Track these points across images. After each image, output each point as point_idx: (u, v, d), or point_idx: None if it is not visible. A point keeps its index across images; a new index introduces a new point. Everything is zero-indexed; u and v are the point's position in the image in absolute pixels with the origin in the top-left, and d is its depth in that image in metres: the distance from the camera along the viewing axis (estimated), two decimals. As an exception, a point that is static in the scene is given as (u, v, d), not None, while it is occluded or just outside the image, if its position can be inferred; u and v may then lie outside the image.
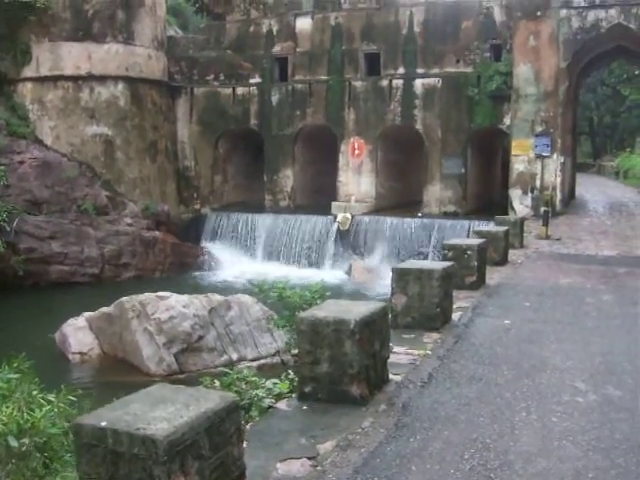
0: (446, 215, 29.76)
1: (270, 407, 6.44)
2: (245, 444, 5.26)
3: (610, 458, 5.30)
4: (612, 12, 26.22)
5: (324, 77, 32.29)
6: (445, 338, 8.43)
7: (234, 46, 34.12)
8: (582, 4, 26.49)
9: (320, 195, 32.47)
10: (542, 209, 21.71)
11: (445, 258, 11.41)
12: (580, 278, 13.54)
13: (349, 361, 5.94)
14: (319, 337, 5.97)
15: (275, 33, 33.47)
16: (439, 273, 8.69)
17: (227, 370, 8.26)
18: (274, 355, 16.81)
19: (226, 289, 23.30)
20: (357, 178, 31.55)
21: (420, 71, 30.70)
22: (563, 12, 26.68)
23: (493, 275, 13.04)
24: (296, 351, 6.62)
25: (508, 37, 28.76)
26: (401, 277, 8.75)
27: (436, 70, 30.42)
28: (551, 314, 10.19)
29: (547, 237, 19.68)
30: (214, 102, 34.06)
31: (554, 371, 7.38)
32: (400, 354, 7.62)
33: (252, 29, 33.97)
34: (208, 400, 3.96)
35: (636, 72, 55.63)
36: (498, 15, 29.67)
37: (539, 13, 26.90)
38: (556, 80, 26.90)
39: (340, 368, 5.98)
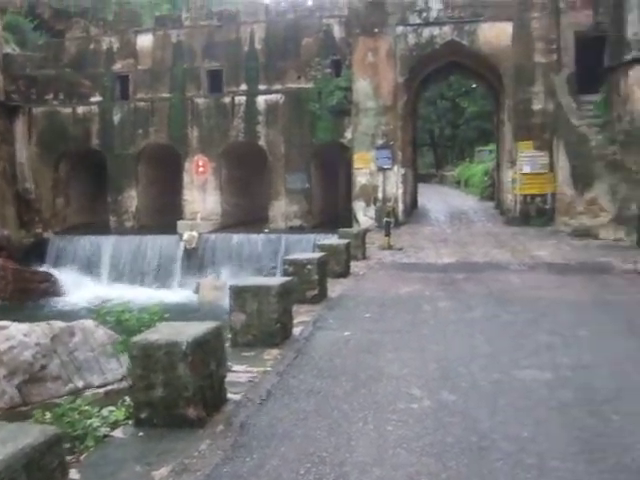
0: (292, 230, 30.05)
1: (106, 436, 6.24)
2: (79, 476, 5.09)
3: (442, 462, 5.41)
4: (446, 29, 27.26)
5: (166, 95, 32.00)
6: (285, 354, 8.44)
7: (74, 64, 33.30)
8: (417, 21, 27.43)
9: (166, 214, 32.04)
10: (384, 220, 22.19)
11: (286, 273, 11.45)
12: (420, 286, 13.88)
13: (183, 384, 5.84)
14: (152, 361, 5.84)
15: (115, 50, 32.91)
16: (277, 289, 8.70)
17: (60, 401, 7.96)
18: (121, 380, 16.38)
19: (71, 315, 22.51)
20: (202, 196, 31.38)
21: (262, 87, 30.91)
22: (400, 29, 27.53)
23: (335, 288, 13.18)
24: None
25: (348, 53, 29.36)
26: (239, 295, 8.70)
27: (278, 86, 30.72)
28: (390, 324, 10.37)
29: (389, 247, 20.12)
30: (54, 122, 33.11)
31: (390, 380, 7.49)
32: (239, 372, 7.56)
33: (92, 46, 33.28)
34: (27, 435, 3.81)
35: (473, 85, 57.95)
36: (338, 32, 30.30)
37: (377, 30, 27.63)
38: (395, 94, 27.67)
39: (175, 392, 5.87)
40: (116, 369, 17.15)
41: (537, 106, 26.76)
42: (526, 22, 26.87)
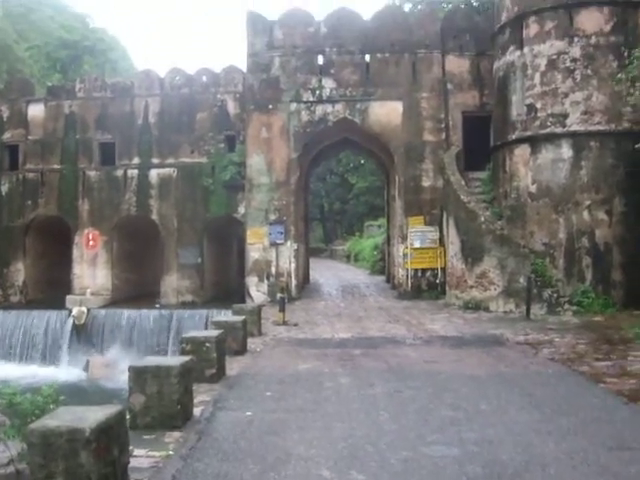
0: (184, 305, 29.64)
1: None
2: None
3: None
4: (338, 107, 27.89)
5: (57, 166, 31.45)
6: (187, 436, 8.16)
7: (-39, 133, 32.38)
8: (311, 99, 27.97)
9: (55, 288, 31.12)
10: (278, 295, 22.14)
11: (184, 352, 11.18)
12: (318, 363, 13.78)
13: (86, 472, 5.52)
14: (52, 449, 5.51)
15: (5, 119, 32.29)
16: (177, 369, 8.47)
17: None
18: (8, 464, 15.54)
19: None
20: (92, 270, 30.68)
21: (155, 161, 30.76)
22: (293, 106, 27.99)
23: (233, 365, 12.96)
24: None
25: (242, 128, 29.61)
26: (138, 375, 8.42)
27: (171, 160, 30.63)
28: (293, 402, 10.22)
29: (284, 323, 20.01)
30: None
31: (299, 461, 7.33)
32: (141, 457, 7.27)
33: (-19, 115, 32.48)
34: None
35: (362, 161, 59.17)
36: (232, 107, 30.59)
37: (271, 106, 28.02)
38: (288, 170, 27.96)
39: (76, 481, 5.56)
40: (2, 452, 16.30)
41: (427, 182, 27.53)
42: (416, 102, 27.81)
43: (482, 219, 23.00)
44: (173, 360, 9.61)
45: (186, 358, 9.44)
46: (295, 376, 12.37)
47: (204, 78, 31.29)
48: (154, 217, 30.65)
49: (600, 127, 22.42)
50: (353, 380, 11.86)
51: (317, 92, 28.01)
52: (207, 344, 11.40)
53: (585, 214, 22.41)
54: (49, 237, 32.07)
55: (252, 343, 16.02)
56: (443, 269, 26.28)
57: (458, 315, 21.81)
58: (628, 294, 21.78)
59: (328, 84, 27.98)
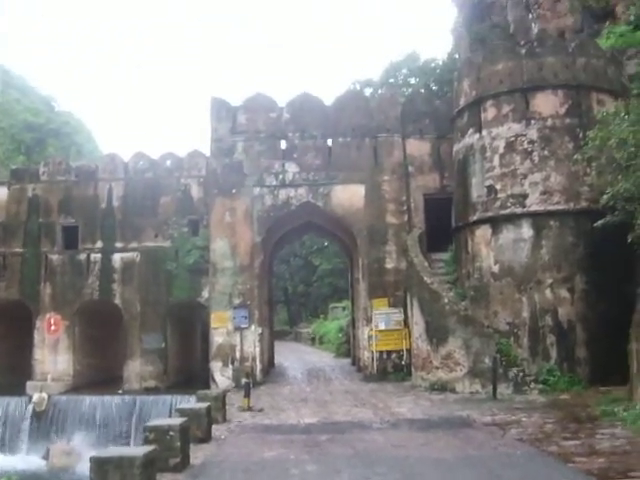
0: (147, 390, 29.08)
1: None
2: None
3: None
4: (301, 191, 28.16)
5: (19, 249, 31.08)
6: (150, 530, 7.97)
7: None
8: (274, 183, 28.25)
9: (15, 374, 30.40)
10: (243, 380, 21.88)
11: (147, 440, 10.96)
12: (284, 449, 13.58)
13: None
14: None
15: (-34, 205, 31.97)
16: (140, 460, 8.30)
17: None
18: None
19: None
20: (54, 355, 30.08)
21: (119, 245, 30.61)
22: (257, 190, 28.23)
23: (198, 454, 12.72)
24: None
25: (205, 213, 29.66)
26: (100, 467, 8.24)
27: (135, 244, 30.50)
28: (258, 491, 10.04)
29: (249, 409, 19.73)
30: None
31: None
32: None
33: (-59, 199, 32.20)
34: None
35: (325, 244, 59.49)
36: (196, 191, 30.69)
37: (234, 191, 28.23)
38: (252, 254, 28.01)
39: None
40: None
41: (390, 264, 27.69)
42: (377, 185, 28.19)
43: (446, 300, 23.11)
44: (136, 450, 9.42)
45: (149, 448, 9.27)
46: (261, 464, 12.18)
47: (168, 162, 31.42)
48: (117, 301, 30.33)
49: (559, 207, 22.86)
50: (319, 467, 11.70)
51: (280, 176, 28.29)
52: (171, 432, 11.21)
53: (547, 292, 22.64)
54: (10, 321, 31.53)
55: (217, 430, 15.76)
56: (409, 350, 26.21)
57: (425, 397, 21.69)
58: (593, 371, 21.86)
59: (291, 168, 28.30)
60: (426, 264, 25.35)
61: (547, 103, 23.49)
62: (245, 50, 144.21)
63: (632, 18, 30.07)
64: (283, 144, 28.71)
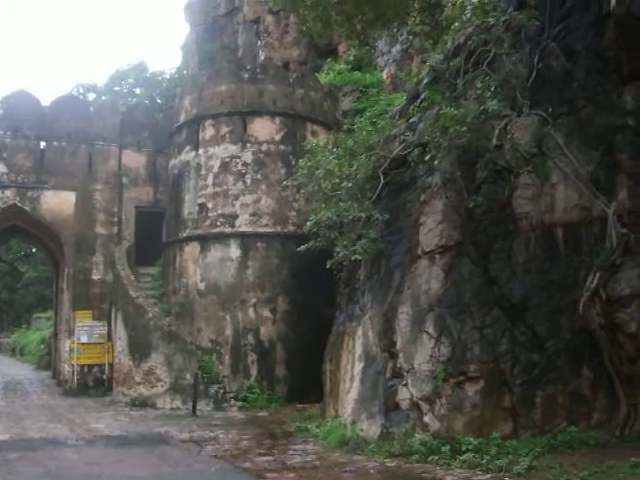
0: None
1: None
2: None
3: None
4: (8, 193, 26.77)
5: None
6: None
7: None
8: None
9: None
10: None
11: None
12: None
13: None
14: None
15: None
16: None
17: None
18: None
19: None
20: None
21: None
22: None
23: None
24: None
25: None
26: None
27: None
28: None
29: None
30: None
31: None
32: None
33: None
34: None
35: (32, 250, 57.00)
36: None
37: None
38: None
39: None
40: None
41: (97, 276, 27.13)
42: (90, 193, 27.53)
43: (150, 315, 23.09)
44: None
45: None
46: None
47: None
48: None
49: (267, 229, 23.73)
50: (7, 488, 11.21)
51: (-13, 177, 26.78)
52: None
53: (251, 312, 23.37)
54: None
55: None
56: (111, 365, 25.78)
57: (124, 413, 21.47)
58: (291, 389, 22.87)
59: (-1, 168, 26.91)
60: (133, 278, 25.16)
61: (264, 129, 24.33)
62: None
63: (351, 58, 32.05)
64: (-8, 142, 27.21)
